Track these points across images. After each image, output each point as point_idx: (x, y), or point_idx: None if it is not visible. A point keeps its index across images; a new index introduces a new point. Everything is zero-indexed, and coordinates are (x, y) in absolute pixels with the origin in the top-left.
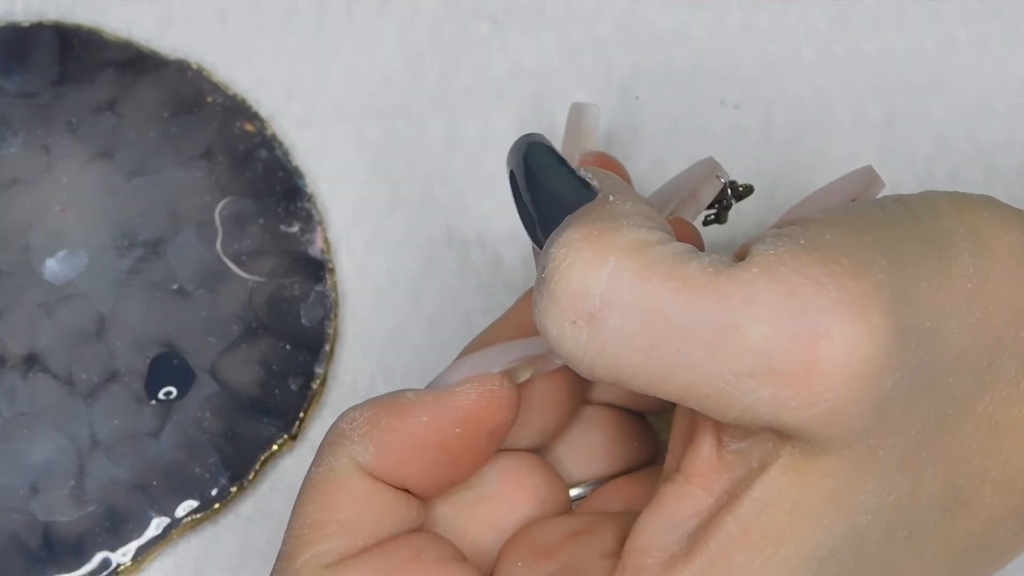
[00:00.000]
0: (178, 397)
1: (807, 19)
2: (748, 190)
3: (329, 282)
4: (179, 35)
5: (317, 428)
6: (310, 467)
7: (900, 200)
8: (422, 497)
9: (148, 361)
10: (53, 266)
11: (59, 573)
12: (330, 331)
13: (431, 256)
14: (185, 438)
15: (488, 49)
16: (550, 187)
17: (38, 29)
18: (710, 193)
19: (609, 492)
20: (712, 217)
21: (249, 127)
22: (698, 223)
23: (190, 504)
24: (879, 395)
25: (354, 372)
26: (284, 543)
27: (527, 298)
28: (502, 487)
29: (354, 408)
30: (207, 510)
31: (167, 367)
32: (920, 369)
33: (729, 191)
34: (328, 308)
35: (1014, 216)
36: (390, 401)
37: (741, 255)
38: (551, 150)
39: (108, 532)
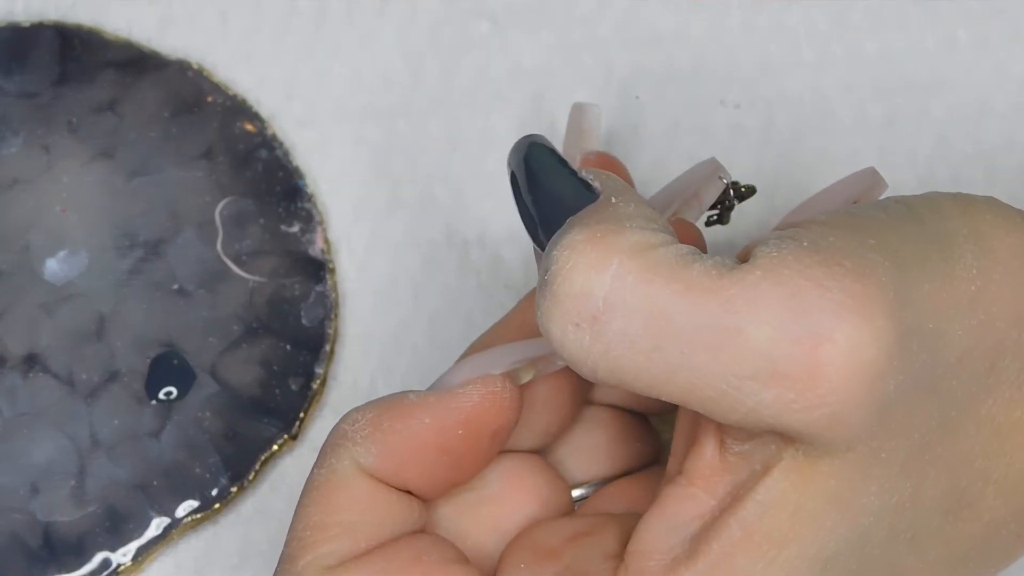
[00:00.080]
0: (178, 397)
1: (807, 19)
2: (750, 191)
3: (329, 282)
4: (179, 35)
5: (317, 428)
6: (312, 469)
7: (903, 201)
8: (424, 499)
9: (148, 361)
10: (53, 266)
11: (59, 573)
12: (330, 331)
13: (431, 256)
14: (185, 438)
15: (488, 49)
16: (551, 188)
17: (38, 29)
18: (712, 194)
19: (611, 493)
20: (715, 218)
21: (249, 127)
22: (700, 224)
23: (190, 504)
24: (882, 397)
25: (354, 372)
26: (286, 545)
27: (529, 299)
28: (504, 488)
29: (356, 410)
30: (207, 510)
31: (167, 367)
32: (923, 371)
33: (731, 192)
34: (328, 308)
35: (1017, 217)
36: (392, 403)
37: (744, 257)
38: (552, 151)
39: (108, 532)
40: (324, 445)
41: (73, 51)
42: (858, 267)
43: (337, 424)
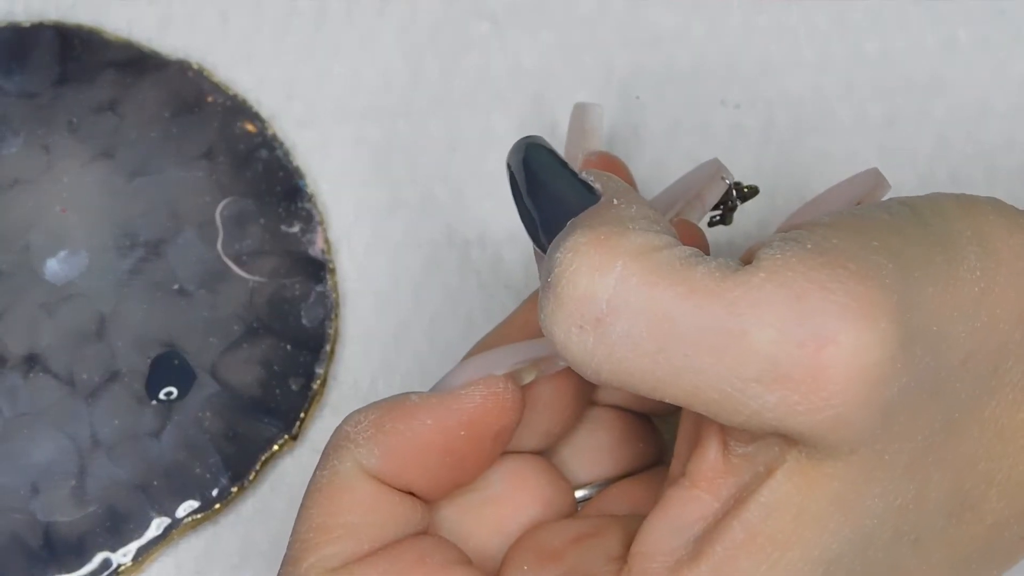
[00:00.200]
0: (179, 397)
1: (807, 19)
2: (753, 191)
3: (330, 282)
4: (180, 35)
5: (318, 428)
6: (315, 470)
7: (906, 203)
8: (427, 500)
9: (149, 361)
10: (54, 266)
11: (60, 573)
12: (331, 331)
13: (432, 256)
14: (186, 438)
15: (488, 49)
16: (552, 190)
17: (39, 29)
18: (715, 195)
19: (614, 494)
20: (717, 218)
21: (250, 127)
22: (703, 225)
23: (191, 504)
24: (886, 400)
25: (355, 372)
26: (289, 547)
27: (531, 301)
28: (507, 489)
29: (358, 411)
30: (208, 510)
31: (168, 367)
32: (927, 374)
33: (734, 192)
34: (329, 308)
35: (1020, 219)
36: (394, 404)
37: (747, 259)
38: (551, 152)
39: (109, 532)
40: (326, 446)
41: (73, 51)
42: (862, 269)
43: (339, 425)
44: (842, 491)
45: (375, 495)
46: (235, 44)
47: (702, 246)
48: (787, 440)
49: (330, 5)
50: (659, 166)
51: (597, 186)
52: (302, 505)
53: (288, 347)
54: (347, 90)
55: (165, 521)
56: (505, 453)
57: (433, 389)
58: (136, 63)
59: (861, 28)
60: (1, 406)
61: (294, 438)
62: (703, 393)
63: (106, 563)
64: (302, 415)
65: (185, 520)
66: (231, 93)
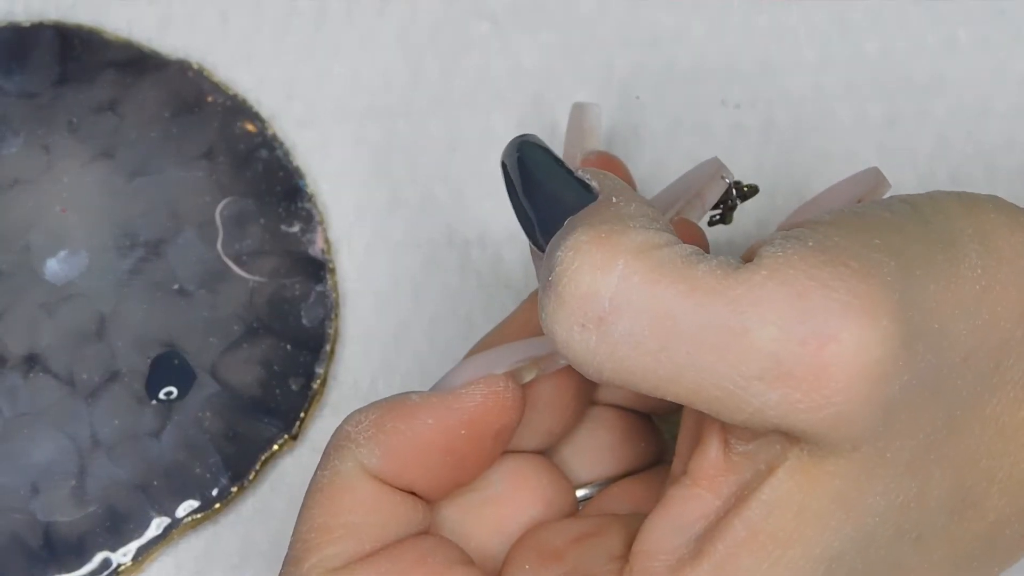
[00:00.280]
0: (179, 397)
1: (807, 19)
2: (753, 190)
3: (330, 282)
4: (180, 35)
5: (318, 428)
6: (316, 471)
7: (907, 201)
8: (428, 500)
9: (149, 361)
10: (54, 266)
11: (60, 573)
12: (331, 331)
13: (432, 256)
14: (186, 438)
15: (488, 49)
16: (548, 188)
17: (39, 29)
18: (715, 194)
19: (616, 493)
20: (717, 218)
21: (250, 127)
22: (703, 224)
23: (191, 504)
24: (887, 398)
25: (355, 372)
26: (291, 547)
27: (531, 301)
28: (508, 489)
29: (359, 411)
30: (208, 510)
31: (168, 367)
32: (928, 371)
33: (734, 191)
34: (329, 308)
35: (1021, 217)
36: (395, 403)
37: (748, 257)
38: (546, 150)
39: (109, 532)
40: (327, 447)
41: (73, 51)
42: (863, 267)
43: (340, 426)
44: (844, 489)
45: (376, 495)
46: (235, 44)
47: (702, 245)
48: (789, 438)
49: (330, 5)
50: (659, 166)
51: (594, 184)
52: (303, 505)
53: (288, 347)
54: (347, 90)
55: (165, 521)
56: (506, 452)
57: (434, 388)
58: (136, 63)
59: (861, 28)
60: (1, 406)
61: (294, 438)
62: (705, 391)
63: (106, 563)
64: (302, 415)
65: (185, 520)
66: (231, 93)
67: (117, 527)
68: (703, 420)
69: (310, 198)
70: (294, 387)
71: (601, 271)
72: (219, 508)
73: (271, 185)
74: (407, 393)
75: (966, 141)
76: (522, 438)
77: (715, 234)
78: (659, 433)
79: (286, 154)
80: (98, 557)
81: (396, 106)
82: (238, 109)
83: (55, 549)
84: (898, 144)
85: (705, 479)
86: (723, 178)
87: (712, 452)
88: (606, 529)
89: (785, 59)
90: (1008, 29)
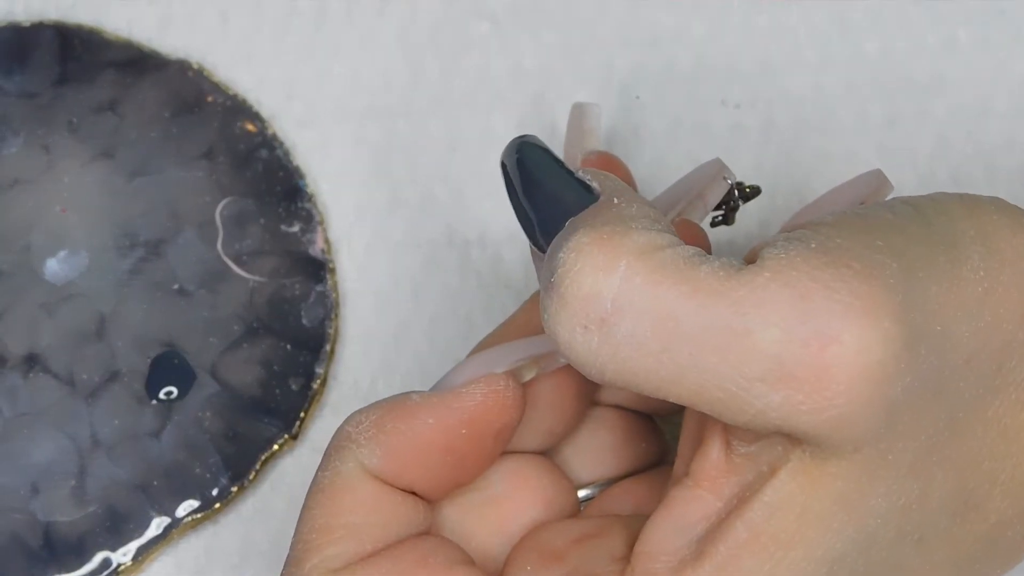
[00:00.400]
0: (179, 397)
1: (808, 19)
2: (755, 191)
3: (330, 282)
4: (180, 35)
5: (318, 428)
6: (317, 471)
7: (909, 202)
8: (429, 500)
9: (149, 361)
10: (54, 266)
11: (60, 573)
12: (331, 331)
13: (432, 256)
14: (186, 438)
15: (488, 49)
16: (549, 189)
17: (39, 29)
18: (717, 194)
19: (617, 493)
20: (720, 219)
21: (250, 127)
22: (705, 225)
23: (191, 504)
24: (890, 399)
25: (355, 372)
26: (292, 548)
27: (532, 301)
28: (509, 489)
29: (360, 411)
30: (208, 510)
31: (168, 367)
32: (930, 373)
33: (736, 192)
34: (329, 308)
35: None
36: (395, 403)
37: (751, 258)
38: (546, 151)
39: (109, 532)
40: (328, 447)
41: (73, 51)
42: (866, 269)
43: (341, 426)
44: (846, 490)
45: (377, 495)
46: (235, 44)
47: (704, 246)
48: (791, 439)
49: (330, 5)
50: (659, 166)
51: (595, 185)
52: (304, 506)
53: (288, 347)
54: (347, 90)
55: (165, 521)
56: (507, 453)
57: (434, 388)
58: (136, 63)
59: (861, 28)
60: (1, 406)
61: (294, 438)
62: (707, 392)
63: (106, 563)
64: (302, 415)
65: (185, 520)
66: (231, 93)
67: (117, 527)
68: (705, 421)
69: (310, 198)
70: (294, 387)
71: (603, 272)
72: (219, 508)
73: (271, 185)
74: (407, 393)
75: (966, 141)
76: (523, 438)
77: (716, 235)
78: (661, 434)
79: (286, 154)
80: (98, 557)
81: (396, 106)
82: (238, 109)
83: (55, 549)
84: (898, 144)
85: (707, 480)
86: (725, 179)
87: (714, 453)
88: (608, 530)
89: (785, 59)
90: (1008, 29)
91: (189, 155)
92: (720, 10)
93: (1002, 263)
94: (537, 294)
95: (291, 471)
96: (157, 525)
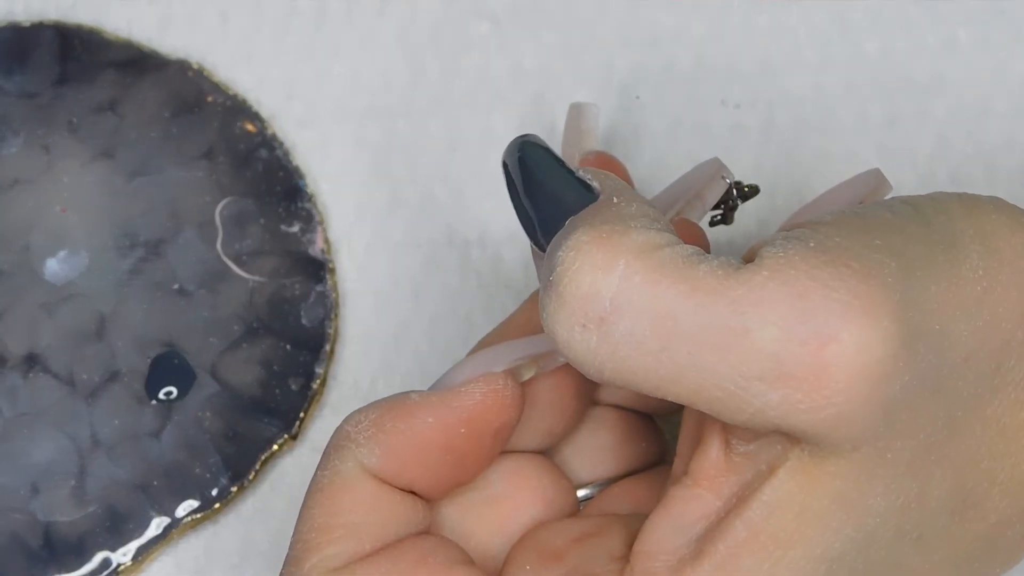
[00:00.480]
0: (179, 397)
1: (808, 19)
2: (754, 190)
3: (330, 282)
4: (180, 35)
5: (317, 428)
6: (316, 471)
7: (908, 202)
8: (428, 499)
9: (149, 361)
10: (54, 266)
11: (60, 573)
12: (331, 331)
13: (432, 256)
14: (186, 438)
15: (488, 49)
16: (549, 188)
17: (39, 29)
18: (716, 194)
19: (617, 493)
20: (718, 218)
21: (250, 127)
22: (704, 224)
23: (191, 504)
24: (888, 398)
25: (355, 372)
26: (291, 547)
27: (532, 301)
28: (509, 489)
29: (359, 411)
30: (208, 510)
31: (168, 367)
32: (929, 372)
33: (735, 192)
34: (329, 308)
35: (1022, 218)
36: (395, 403)
37: (749, 257)
38: (547, 150)
39: (109, 532)
40: (327, 447)
41: (73, 51)
42: (864, 268)
43: (340, 425)
44: (844, 489)
45: (376, 495)
46: (235, 44)
47: (703, 245)
48: (789, 438)
49: (330, 5)
50: (659, 166)
51: (595, 184)
52: (303, 505)
53: (288, 347)
54: (347, 90)
55: (165, 521)
56: (507, 452)
57: (433, 387)
58: (136, 63)
59: (861, 28)
60: (1, 406)
61: (294, 438)
62: (706, 391)
63: (106, 563)
64: (302, 415)
65: (185, 520)
66: (231, 93)
67: (117, 527)
68: (704, 420)
69: (310, 198)
70: (294, 387)
71: (602, 271)
72: (219, 508)
73: (271, 185)
74: (406, 392)
75: (966, 141)
76: (523, 438)
77: (715, 234)
78: (661, 434)
79: (286, 154)
80: (98, 557)
81: (396, 106)
82: (238, 109)
83: (55, 549)
84: (898, 144)
85: (706, 479)
86: (724, 178)
87: (713, 452)
88: (607, 529)
89: (785, 59)
90: (1008, 29)
91: (189, 155)
92: (720, 10)
93: (1001, 262)
94: (537, 293)
95: (291, 471)
96: (157, 525)
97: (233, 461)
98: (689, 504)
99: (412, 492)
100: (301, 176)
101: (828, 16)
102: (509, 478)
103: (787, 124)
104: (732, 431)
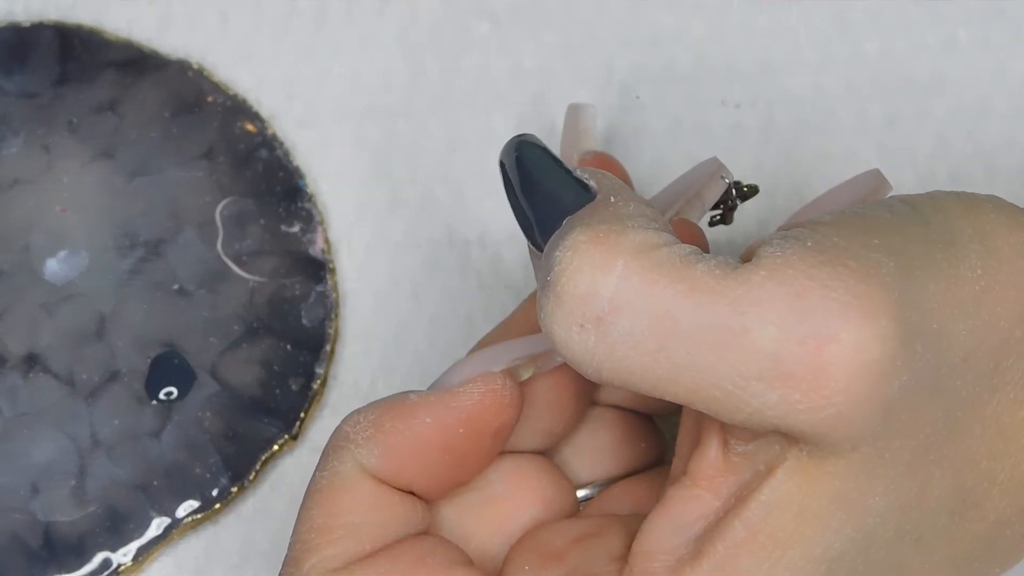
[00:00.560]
0: (179, 397)
1: (808, 19)
2: (753, 190)
3: (330, 282)
4: (180, 35)
5: (318, 428)
6: (315, 471)
7: (907, 201)
8: (427, 499)
9: (149, 361)
10: (54, 266)
11: (60, 573)
12: (331, 331)
13: (432, 256)
14: (186, 438)
15: (488, 49)
16: (547, 188)
17: (39, 29)
18: (715, 194)
19: (616, 493)
20: (717, 218)
21: (250, 127)
22: (703, 224)
23: (191, 504)
24: (887, 398)
25: (355, 372)
26: (290, 548)
27: (531, 300)
28: (508, 489)
29: (358, 411)
30: (208, 510)
31: (168, 367)
32: (928, 371)
33: (734, 191)
34: (329, 308)
35: (1021, 217)
36: (394, 403)
37: (747, 257)
38: (545, 150)
39: (109, 532)
40: (326, 447)
41: (73, 51)
42: (862, 267)
43: (339, 426)
44: (844, 489)
45: (375, 495)
46: (235, 44)
47: (702, 245)
48: (788, 438)
49: (330, 5)
50: (659, 166)
51: (592, 184)
52: (302, 506)
53: (288, 347)
54: (347, 90)
55: (165, 521)
56: (506, 453)
57: (432, 387)
58: (136, 63)
59: (861, 28)
60: (1, 406)
61: (294, 438)
62: (704, 391)
63: (106, 563)
64: (302, 415)
65: (185, 520)
66: (231, 93)
67: (117, 527)
68: (703, 420)
69: (310, 198)
70: (294, 387)
71: (600, 271)
72: (219, 508)
73: (271, 185)
74: (405, 392)
75: (966, 141)
76: (522, 438)
77: (715, 234)
78: (660, 434)
79: (286, 154)
80: (98, 557)
81: (396, 106)
82: (238, 109)
83: (55, 549)
84: (898, 144)
85: (705, 479)
86: (723, 178)
87: (711, 452)
88: (606, 529)
89: (785, 59)
90: (1008, 29)
91: (189, 155)
92: (720, 10)
93: (1000, 261)
94: (535, 294)
95: (291, 471)
96: (157, 525)
97: (233, 461)
98: (688, 504)
99: (411, 492)
100: (301, 176)
101: (828, 16)
102: (508, 478)
103: (787, 124)
104: (731, 431)
